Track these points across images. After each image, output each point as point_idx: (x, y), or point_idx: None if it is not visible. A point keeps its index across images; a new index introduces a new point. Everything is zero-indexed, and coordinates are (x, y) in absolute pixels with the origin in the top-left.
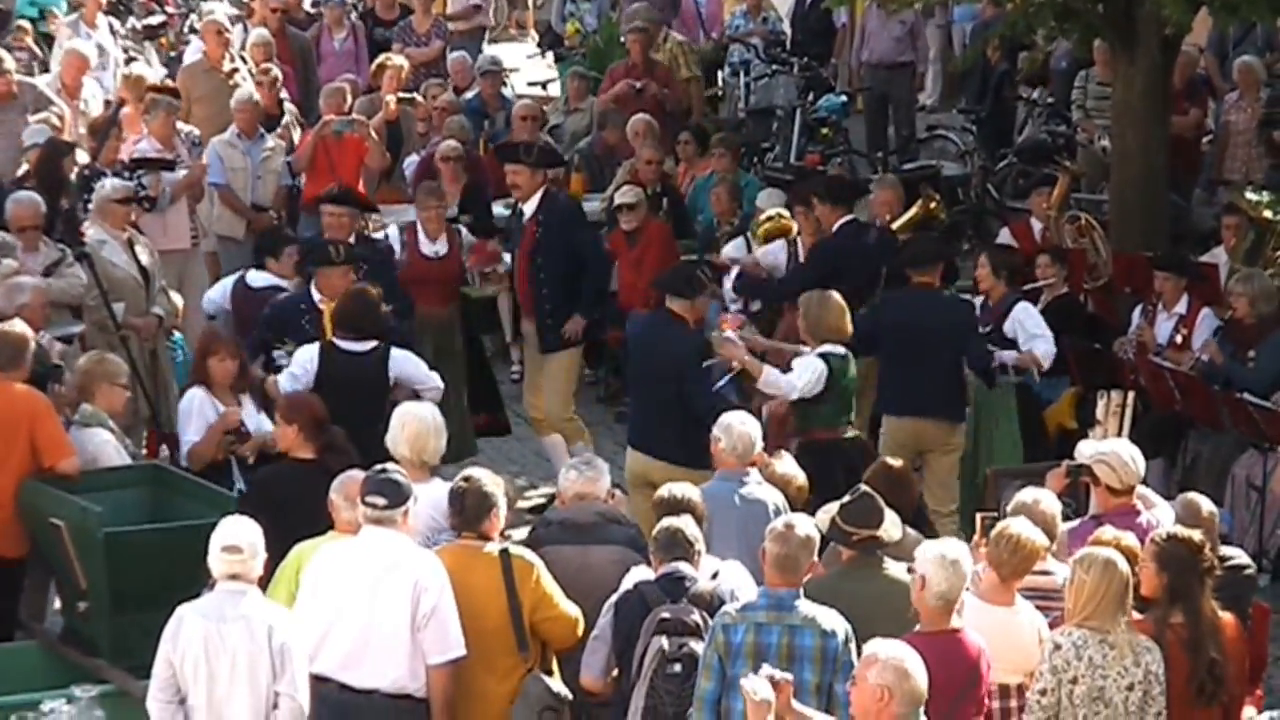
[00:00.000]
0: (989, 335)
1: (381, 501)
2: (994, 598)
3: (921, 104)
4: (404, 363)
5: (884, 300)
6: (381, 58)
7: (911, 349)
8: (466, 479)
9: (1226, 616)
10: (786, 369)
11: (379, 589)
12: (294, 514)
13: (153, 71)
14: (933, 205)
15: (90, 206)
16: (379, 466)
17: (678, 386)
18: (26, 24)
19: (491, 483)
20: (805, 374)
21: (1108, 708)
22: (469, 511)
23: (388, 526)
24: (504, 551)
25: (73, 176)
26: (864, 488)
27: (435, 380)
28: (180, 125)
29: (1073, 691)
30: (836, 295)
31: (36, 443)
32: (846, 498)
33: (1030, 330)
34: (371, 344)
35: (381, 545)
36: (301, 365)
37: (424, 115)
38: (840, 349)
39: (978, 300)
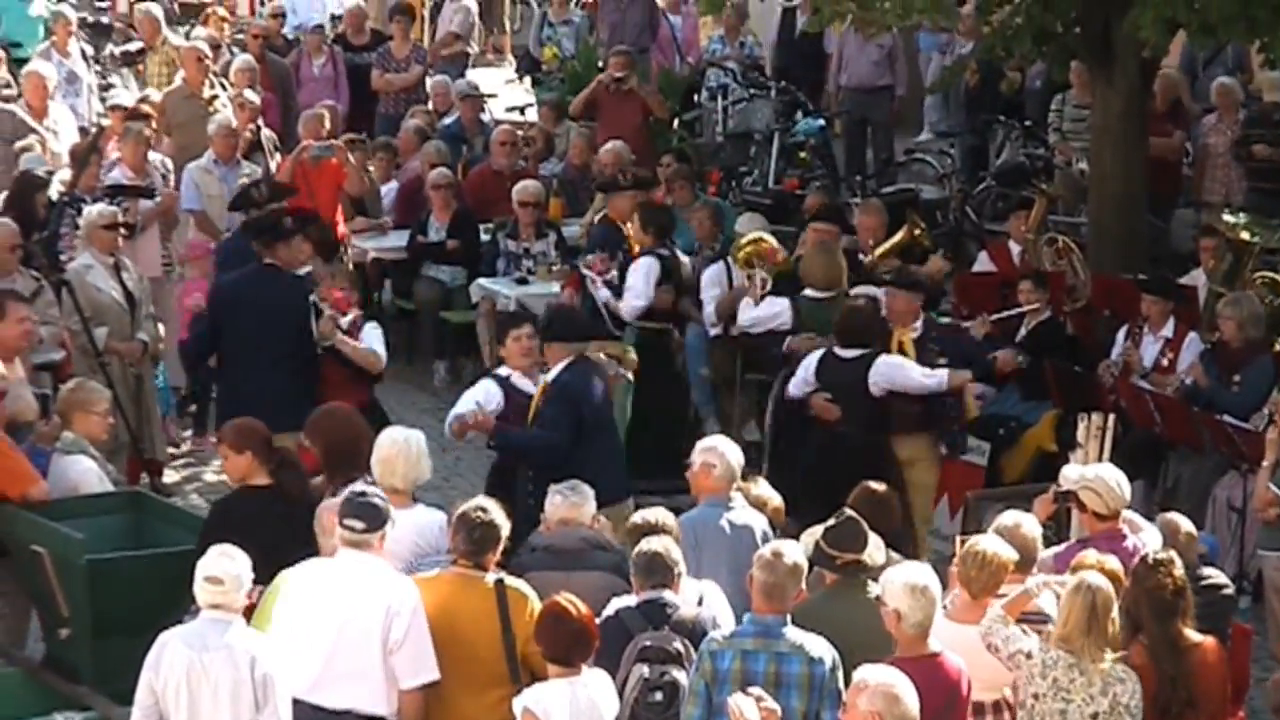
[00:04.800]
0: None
1: (360, 525)
2: (965, 616)
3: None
4: None
5: None
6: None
7: None
8: (482, 509)
9: (1206, 638)
10: None
11: (351, 613)
12: (254, 538)
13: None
14: (917, 232)
15: (68, 232)
16: (358, 489)
17: None
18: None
19: (502, 516)
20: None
21: None
22: (478, 543)
23: (364, 550)
24: (499, 582)
25: (42, 209)
26: (848, 511)
27: None
28: (152, 154)
29: (1034, 707)
30: None
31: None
32: (831, 521)
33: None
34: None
35: (355, 569)
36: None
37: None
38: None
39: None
